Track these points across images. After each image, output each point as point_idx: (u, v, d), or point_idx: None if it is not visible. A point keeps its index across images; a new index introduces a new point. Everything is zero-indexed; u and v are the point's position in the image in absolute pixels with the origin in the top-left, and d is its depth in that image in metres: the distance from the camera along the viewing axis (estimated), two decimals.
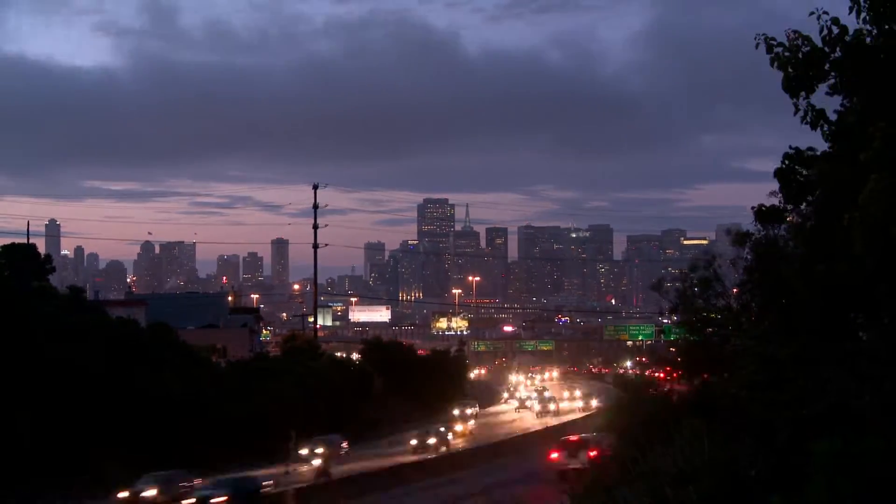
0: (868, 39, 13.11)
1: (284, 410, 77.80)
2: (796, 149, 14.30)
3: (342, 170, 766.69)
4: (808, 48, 13.29)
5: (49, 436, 59.61)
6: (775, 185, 15.43)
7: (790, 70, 13.32)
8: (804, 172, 14.30)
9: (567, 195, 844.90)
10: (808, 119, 13.55)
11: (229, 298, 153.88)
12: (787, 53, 13.38)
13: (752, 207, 15.67)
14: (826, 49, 13.29)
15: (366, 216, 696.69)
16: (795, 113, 13.56)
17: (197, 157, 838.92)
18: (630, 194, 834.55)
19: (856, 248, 12.52)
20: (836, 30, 13.16)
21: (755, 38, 13.50)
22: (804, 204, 15.85)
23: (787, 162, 14.20)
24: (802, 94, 13.44)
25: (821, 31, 13.30)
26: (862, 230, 12.21)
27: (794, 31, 13.45)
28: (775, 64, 13.43)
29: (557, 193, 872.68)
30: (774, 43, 13.52)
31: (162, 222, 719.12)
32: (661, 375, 65.33)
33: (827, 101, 13.92)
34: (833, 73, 13.42)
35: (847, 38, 13.08)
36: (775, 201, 15.57)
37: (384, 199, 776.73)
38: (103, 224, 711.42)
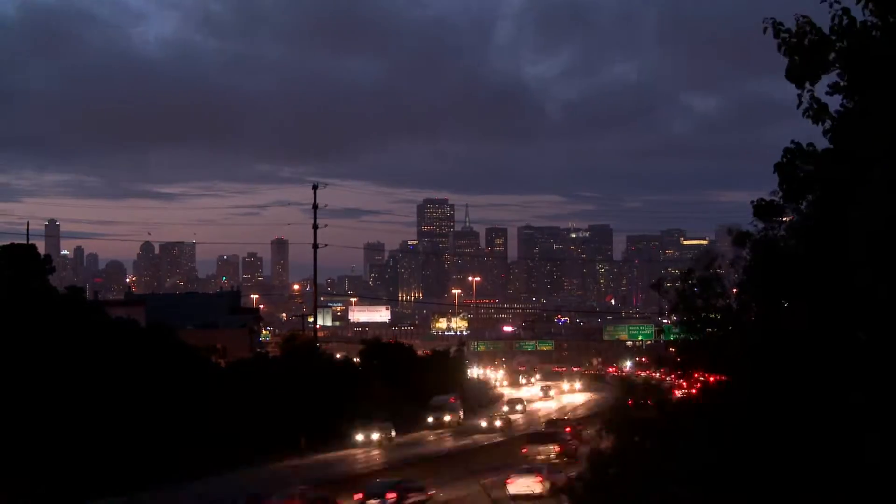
0: (874, 32, 12.87)
1: (284, 411, 77.64)
2: (797, 143, 14.13)
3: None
4: (815, 36, 13.02)
5: (46, 436, 59.42)
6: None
7: (795, 58, 13.12)
8: (805, 168, 14.13)
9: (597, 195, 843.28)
10: (811, 113, 13.38)
11: None
12: (793, 40, 13.14)
13: (752, 202, 15.50)
14: (833, 38, 13.05)
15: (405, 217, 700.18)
16: (799, 106, 13.35)
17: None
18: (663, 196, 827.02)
19: (854, 247, 12.40)
20: (846, 20, 12.91)
21: (763, 23, 13.25)
22: (804, 202, 15.69)
23: (787, 157, 14.04)
24: (807, 85, 13.19)
25: (832, 18, 12.99)
26: (861, 228, 12.08)
27: (804, 17, 13.19)
28: (782, 49, 13.17)
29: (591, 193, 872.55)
30: (782, 28, 13.23)
31: (202, 223, 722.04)
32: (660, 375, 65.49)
33: (830, 97, 13.73)
34: (837, 65, 13.17)
35: (855, 29, 12.84)
36: (776, 198, 15.41)
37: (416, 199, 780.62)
38: (123, 226, 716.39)
